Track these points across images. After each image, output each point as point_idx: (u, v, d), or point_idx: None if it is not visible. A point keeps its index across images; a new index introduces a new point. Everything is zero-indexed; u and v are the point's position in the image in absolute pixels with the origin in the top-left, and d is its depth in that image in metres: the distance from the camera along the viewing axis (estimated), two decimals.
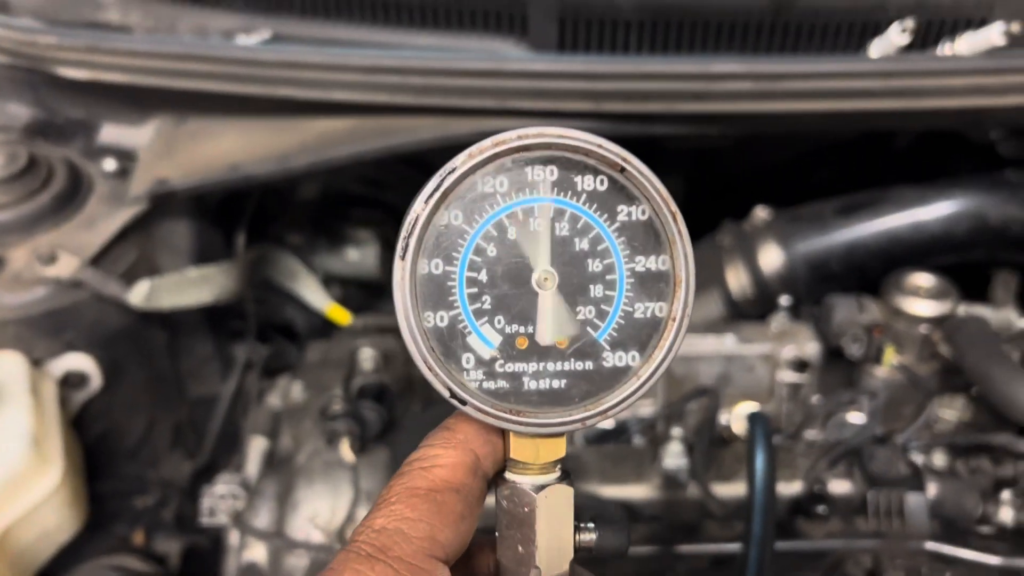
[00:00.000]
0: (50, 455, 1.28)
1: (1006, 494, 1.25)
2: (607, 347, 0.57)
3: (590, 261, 0.57)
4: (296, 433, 1.40)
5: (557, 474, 0.59)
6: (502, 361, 0.56)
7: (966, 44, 1.26)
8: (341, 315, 1.70)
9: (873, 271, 1.55)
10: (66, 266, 1.38)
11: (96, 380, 1.44)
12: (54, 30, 1.40)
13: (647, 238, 0.57)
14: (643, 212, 0.57)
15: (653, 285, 0.57)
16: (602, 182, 0.56)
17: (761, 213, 1.68)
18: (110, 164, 1.52)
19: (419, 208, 0.55)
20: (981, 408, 1.38)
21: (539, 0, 1.33)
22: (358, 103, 1.32)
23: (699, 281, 1.78)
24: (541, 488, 0.58)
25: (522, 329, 0.56)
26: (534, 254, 0.56)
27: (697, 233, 1.82)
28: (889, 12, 1.29)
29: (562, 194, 0.56)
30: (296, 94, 1.33)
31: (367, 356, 1.39)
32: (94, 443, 1.49)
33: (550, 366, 0.57)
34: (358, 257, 1.83)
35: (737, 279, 1.65)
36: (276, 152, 1.37)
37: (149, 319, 1.51)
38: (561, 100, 1.28)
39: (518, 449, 0.58)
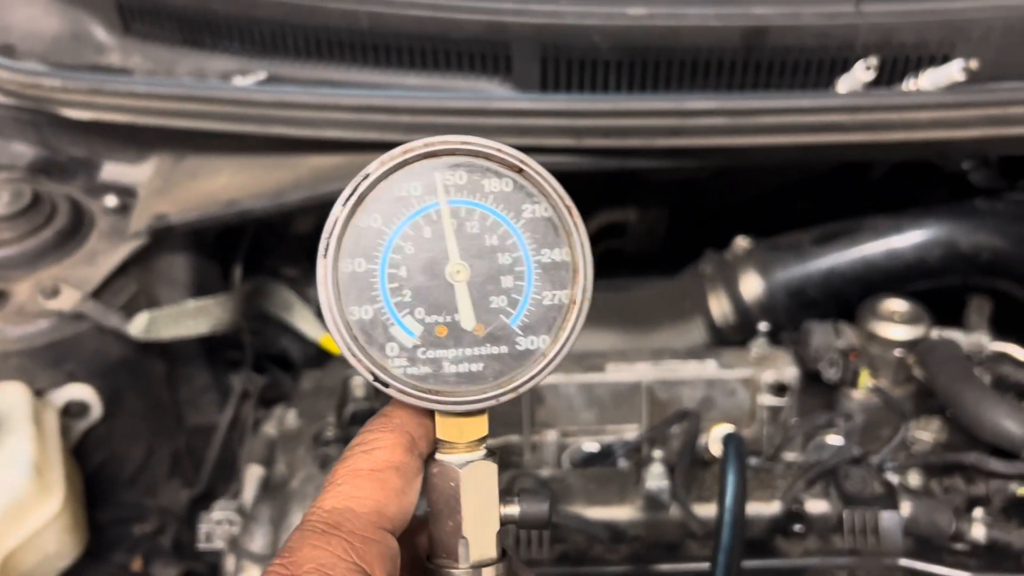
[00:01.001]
0: (51, 482, 1.32)
1: (978, 512, 1.29)
2: (520, 332, 0.62)
3: (500, 255, 0.62)
4: (290, 459, 1.43)
5: (482, 452, 0.65)
6: (423, 348, 0.61)
7: (929, 80, 1.32)
8: (334, 345, 1.74)
9: (850, 297, 1.60)
10: (68, 299, 1.42)
11: (96, 410, 1.48)
12: (58, 73, 1.46)
13: (549, 232, 0.62)
14: (545, 209, 0.62)
15: (557, 274, 0.62)
16: (507, 184, 0.62)
17: (742, 243, 1.74)
18: (111, 200, 1.58)
19: (337, 211, 0.60)
20: (955, 430, 1.42)
21: (522, 42, 1.39)
22: (349, 140, 1.38)
23: (684, 309, 1.82)
24: (466, 464, 0.64)
25: (441, 319, 0.61)
26: (447, 250, 0.61)
27: (680, 263, 1.88)
28: (856, 50, 1.36)
29: (472, 196, 0.61)
30: (290, 132, 1.39)
31: (359, 383, 1.43)
32: (94, 471, 1.53)
33: (468, 351, 0.62)
34: None
35: (719, 306, 1.71)
36: (271, 188, 1.43)
37: (148, 350, 1.56)
38: (544, 136, 1.34)
39: (443, 429, 0.64)
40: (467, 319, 0.62)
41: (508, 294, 0.62)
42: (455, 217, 0.61)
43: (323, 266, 0.60)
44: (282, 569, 0.54)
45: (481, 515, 0.64)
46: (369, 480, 0.58)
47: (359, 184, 0.60)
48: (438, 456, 0.64)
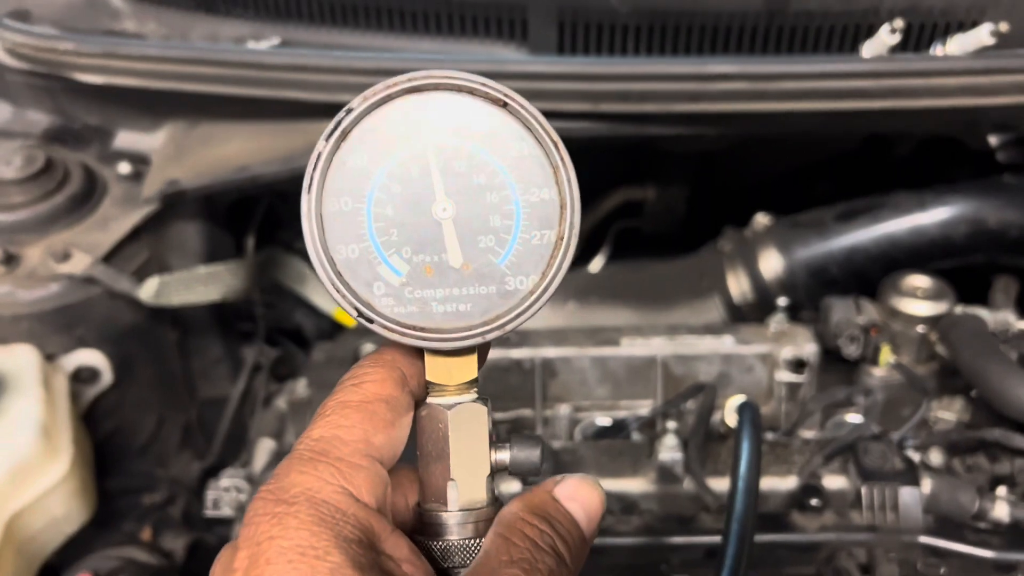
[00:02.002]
0: (59, 445, 1.31)
1: (1002, 490, 1.25)
2: (508, 271, 0.61)
3: (488, 194, 0.61)
4: (300, 428, 1.42)
5: (473, 395, 0.64)
6: (411, 287, 0.60)
7: (957, 45, 1.28)
8: (348, 317, 1.73)
9: (873, 276, 1.56)
10: (79, 263, 1.42)
11: (107, 376, 1.47)
12: (71, 36, 1.46)
13: (536, 170, 0.61)
14: (531, 147, 0.61)
15: (545, 212, 0.61)
16: (495, 121, 0.60)
17: (762, 219, 1.70)
18: (124, 167, 1.57)
19: (320, 146, 0.59)
20: (980, 409, 1.38)
21: (539, 5, 1.36)
22: None
23: (701, 287, 1.79)
24: (455, 406, 0.63)
25: (428, 258, 0.60)
26: (433, 188, 0.60)
27: (700, 239, 1.85)
28: (881, 14, 1.32)
29: (458, 133, 0.60)
30: (303, 96, 1.37)
31: (370, 351, 1.41)
32: (104, 439, 1.52)
33: (455, 290, 0.61)
34: None
35: (738, 284, 1.67)
36: (283, 154, 1.42)
37: (160, 318, 1.55)
38: (560, 101, 1.31)
39: (433, 371, 0.63)
40: (454, 257, 0.61)
41: (496, 233, 0.61)
42: (441, 155, 0.60)
43: (307, 201, 0.59)
44: (269, 495, 0.53)
45: (470, 458, 0.63)
46: (357, 411, 0.58)
47: (342, 119, 0.59)
48: (428, 399, 0.63)
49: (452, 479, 0.62)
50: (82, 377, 1.46)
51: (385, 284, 0.60)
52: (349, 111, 0.59)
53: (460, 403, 0.63)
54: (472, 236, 0.60)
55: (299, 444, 0.57)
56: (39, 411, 1.29)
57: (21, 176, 1.47)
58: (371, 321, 0.60)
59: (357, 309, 0.60)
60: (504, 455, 0.64)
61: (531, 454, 0.64)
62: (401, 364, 0.62)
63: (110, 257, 1.45)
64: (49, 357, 1.41)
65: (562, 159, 0.60)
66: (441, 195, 0.60)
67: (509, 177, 0.61)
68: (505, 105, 0.60)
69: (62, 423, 1.34)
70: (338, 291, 0.60)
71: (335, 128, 0.59)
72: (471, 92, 0.60)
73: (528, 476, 0.65)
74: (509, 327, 0.61)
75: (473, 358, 0.63)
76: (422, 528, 0.63)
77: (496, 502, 0.64)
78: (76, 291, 1.43)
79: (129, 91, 1.48)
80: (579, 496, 0.62)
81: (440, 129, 0.60)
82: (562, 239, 0.61)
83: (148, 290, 1.42)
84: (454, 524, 0.61)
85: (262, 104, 1.42)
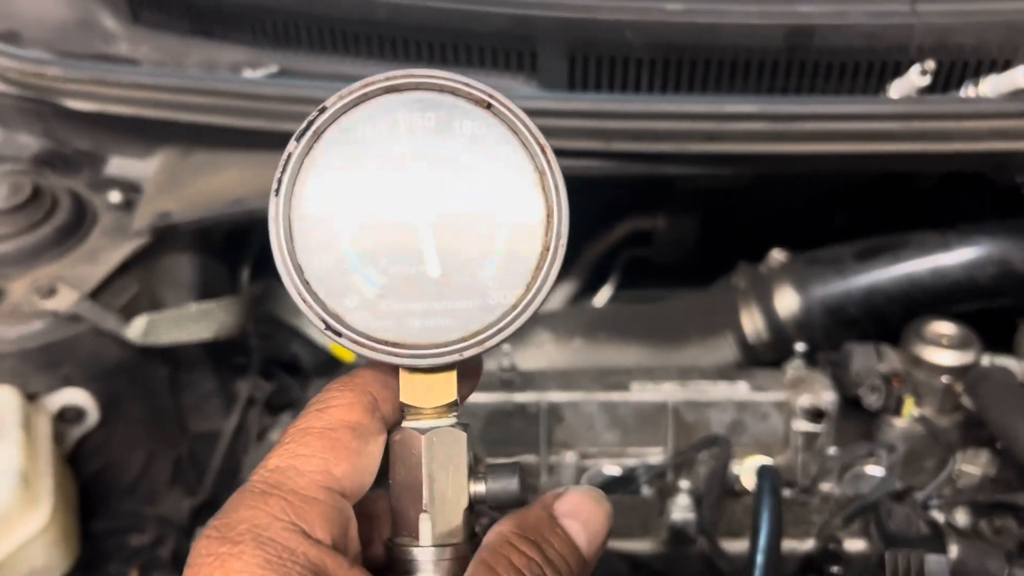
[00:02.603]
0: (40, 493, 1.25)
1: None
2: (492, 284, 0.57)
3: (470, 201, 0.57)
4: None
5: (452, 420, 0.59)
6: (388, 300, 0.56)
7: (990, 86, 1.22)
8: (345, 351, 1.67)
9: (893, 317, 1.50)
10: (65, 299, 1.36)
11: (93, 415, 1.41)
12: (61, 62, 1.40)
13: (522, 176, 0.57)
14: (515, 150, 0.57)
15: (532, 221, 0.58)
16: (477, 124, 0.57)
17: (777, 255, 1.64)
18: (115, 196, 1.51)
19: (291, 146, 0.56)
20: (1006, 464, 1.32)
21: (549, 38, 1.30)
22: None
23: (714, 324, 1.73)
24: (430, 431, 0.58)
25: (406, 269, 0.57)
26: (413, 195, 0.56)
27: (710, 275, 1.79)
28: (909, 53, 1.26)
29: (440, 138, 0.57)
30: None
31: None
32: (90, 479, 1.46)
33: (436, 305, 0.57)
34: None
35: (752, 323, 1.61)
36: None
37: (149, 354, 1.49)
38: (570, 139, 1.25)
39: (407, 391, 0.58)
40: (433, 268, 0.57)
41: (479, 243, 0.57)
42: (421, 159, 0.56)
43: (274, 205, 0.56)
44: (214, 532, 0.50)
45: (446, 488, 0.57)
46: (319, 439, 0.54)
47: (314, 118, 0.56)
48: (403, 424, 0.58)
49: (424, 510, 0.57)
50: (67, 417, 1.40)
51: (359, 296, 0.56)
52: (323, 109, 0.56)
53: (436, 427, 0.58)
54: (453, 246, 0.57)
55: (253, 475, 0.53)
56: (18, 458, 1.23)
57: (6, 206, 1.41)
58: (339, 334, 0.55)
59: (324, 321, 0.56)
60: (481, 487, 0.59)
61: (508, 483, 0.59)
62: (373, 387, 0.57)
63: (98, 292, 1.39)
64: (32, 397, 1.35)
65: (549, 164, 0.57)
66: (420, 201, 0.56)
67: (493, 183, 0.57)
68: (489, 106, 0.57)
69: (43, 469, 1.28)
70: (304, 302, 0.56)
71: (307, 127, 0.56)
72: (453, 92, 0.57)
73: (509, 508, 0.58)
74: (489, 344, 0.56)
75: (452, 377, 0.58)
76: (392, 564, 0.57)
77: (474, 537, 0.58)
78: (61, 328, 1.37)
79: (119, 117, 1.42)
80: (581, 513, 0.57)
81: (419, 131, 0.56)
82: (547, 249, 0.57)
83: (136, 329, 1.36)
84: (426, 561, 0.56)
85: (258, 134, 1.36)
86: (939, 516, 1.24)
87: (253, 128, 1.32)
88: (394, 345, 0.56)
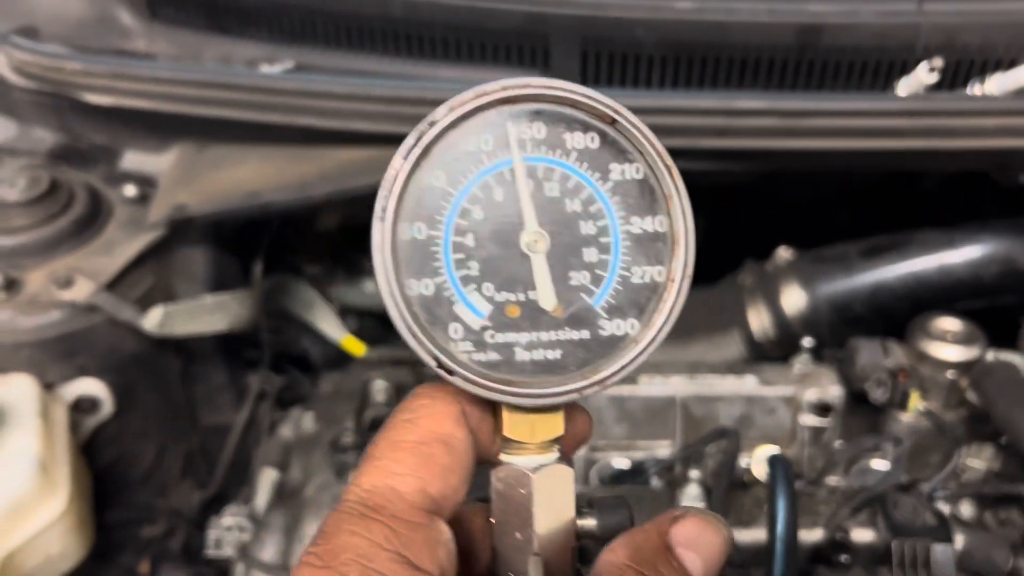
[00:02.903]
0: (57, 480, 1.27)
1: None
2: (604, 314, 0.54)
3: (582, 223, 0.53)
4: (306, 464, 1.38)
5: (556, 454, 0.56)
6: (492, 331, 0.53)
7: (996, 84, 1.24)
8: (356, 347, 1.68)
9: (898, 314, 1.52)
10: (82, 290, 1.37)
11: (108, 406, 1.43)
12: (80, 56, 1.42)
13: (643, 197, 0.54)
14: (637, 170, 0.54)
15: (651, 247, 0.54)
16: (593, 139, 0.53)
17: (784, 253, 1.66)
18: (130, 190, 1.53)
19: (397, 165, 0.51)
20: (1010, 458, 1.34)
21: (562, 34, 1.32)
22: (378, 133, 1.32)
23: (721, 322, 1.74)
24: (540, 468, 0.55)
25: (513, 296, 0.53)
26: (523, 216, 0.53)
27: (718, 273, 1.81)
28: (916, 51, 1.28)
29: (551, 152, 0.53)
30: (317, 123, 1.34)
31: (379, 388, 1.37)
32: (103, 470, 1.47)
33: (544, 335, 0.53)
34: (375, 289, 1.82)
35: (759, 320, 1.63)
36: (295, 180, 1.37)
37: (163, 346, 1.50)
38: None
39: (512, 427, 0.54)
40: (546, 297, 0.53)
41: (591, 269, 0.53)
42: (532, 177, 0.52)
43: (379, 231, 0.51)
44: (315, 560, 0.47)
45: (555, 528, 0.55)
46: (411, 454, 0.50)
47: (424, 133, 0.51)
48: (504, 457, 0.55)
49: (535, 553, 0.54)
50: (82, 407, 1.41)
51: (463, 326, 0.52)
52: (432, 123, 0.51)
53: (543, 465, 0.55)
54: (563, 271, 0.53)
55: (348, 494, 0.50)
56: (37, 445, 1.25)
57: (25, 198, 1.43)
58: (451, 373, 0.52)
59: (436, 358, 0.52)
60: (590, 522, 0.56)
61: (619, 519, 0.55)
62: (463, 396, 0.53)
63: (114, 283, 1.41)
64: (49, 386, 1.37)
65: (677, 188, 0.53)
66: (532, 224, 0.52)
67: (608, 204, 0.53)
68: (613, 122, 0.53)
69: (60, 457, 1.29)
70: (414, 337, 0.51)
71: (415, 143, 0.51)
72: (573, 105, 0.53)
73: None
74: (610, 382, 0.53)
75: (560, 412, 0.55)
76: None
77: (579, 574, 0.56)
78: (78, 319, 1.38)
79: (136, 112, 1.44)
80: (699, 544, 0.52)
81: (531, 146, 0.52)
82: (673, 281, 0.53)
83: (152, 320, 1.37)
84: None
85: (274, 129, 1.38)
86: (945, 508, 1.25)
87: (271, 122, 1.34)
88: (508, 383, 0.52)
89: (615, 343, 0.54)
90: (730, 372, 1.45)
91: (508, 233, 0.52)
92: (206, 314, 1.43)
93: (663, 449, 1.40)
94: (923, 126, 1.23)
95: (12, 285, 1.38)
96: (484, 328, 0.53)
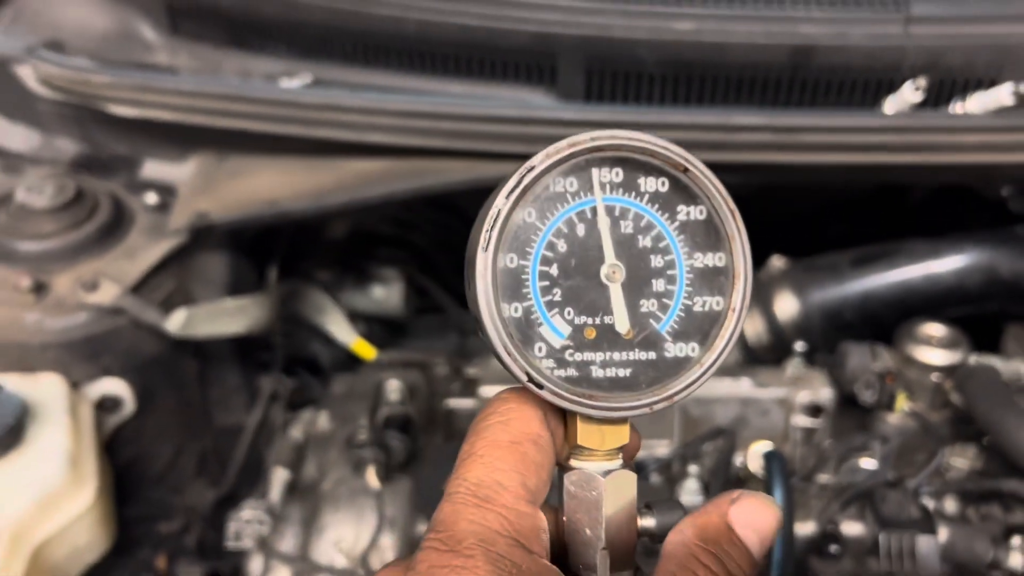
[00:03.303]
0: (85, 474, 1.32)
1: (1016, 540, 1.27)
2: (669, 338, 0.60)
3: (652, 257, 0.60)
4: (321, 462, 1.43)
5: (620, 461, 0.62)
6: (572, 350, 0.59)
7: (977, 103, 1.32)
8: (366, 350, 1.74)
9: (887, 321, 1.59)
10: (107, 293, 1.43)
11: (129, 405, 1.49)
12: (106, 70, 1.48)
13: (706, 236, 0.60)
14: (701, 212, 0.60)
15: (712, 280, 0.60)
16: (663, 184, 0.60)
17: (777, 262, 1.73)
18: (151, 198, 1.59)
19: (500, 203, 0.57)
20: (992, 457, 1.40)
21: (568, 53, 1.39)
22: (393, 145, 1.39)
23: None
24: (608, 473, 0.61)
25: (590, 320, 0.59)
26: (603, 249, 0.59)
27: None
28: (903, 71, 1.35)
29: (627, 194, 0.59)
30: (334, 135, 1.40)
31: (393, 387, 1.43)
32: (123, 467, 1.53)
33: (616, 355, 0.59)
34: (383, 295, 1.89)
35: (753, 326, 1.69)
36: (312, 190, 1.44)
37: (182, 348, 1.56)
38: None
39: (585, 435, 0.60)
40: (621, 322, 0.60)
41: (659, 298, 0.60)
42: (610, 216, 0.59)
43: (483, 260, 0.57)
44: (440, 545, 0.51)
45: (620, 526, 0.61)
46: (510, 452, 0.56)
47: (524, 176, 0.57)
48: (575, 463, 0.61)
49: (604, 548, 0.60)
50: (105, 406, 1.47)
51: (546, 345, 0.59)
52: (531, 168, 0.57)
53: (611, 470, 0.61)
54: (634, 299, 0.60)
55: (456, 487, 0.55)
56: (66, 440, 1.30)
57: (52, 205, 1.49)
58: (540, 387, 0.58)
59: (527, 373, 0.58)
60: (649, 521, 0.62)
61: (676, 519, 0.62)
62: (539, 401, 0.59)
63: (137, 287, 1.47)
64: (74, 385, 1.42)
65: (739, 228, 0.60)
66: (610, 257, 0.59)
67: (675, 242, 0.60)
68: (686, 171, 0.59)
69: (88, 452, 1.35)
70: (509, 354, 0.57)
71: (516, 185, 0.57)
72: (652, 155, 0.59)
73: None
74: (678, 398, 0.60)
75: (627, 424, 0.61)
76: None
77: (637, 569, 0.63)
78: (103, 321, 1.44)
79: (158, 123, 1.50)
80: (756, 522, 0.58)
81: (610, 189, 0.59)
82: (733, 310, 0.60)
83: (175, 322, 1.43)
84: None
85: (291, 140, 1.45)
86: (930, 503, 1.32)
87: (289, 134, 1.40)
88: (588, 397, 0.58)
89: (680, 364, 0.60)
90: (726, 375, 1.52)
91: (588, 264, 0.59)
92: (226, 317, 1.49)
93: (662, 448, 1.46)
94: (909, 142, 1.30)
95: (40, 288, 1.44)
96: (565, 347, 0.59)
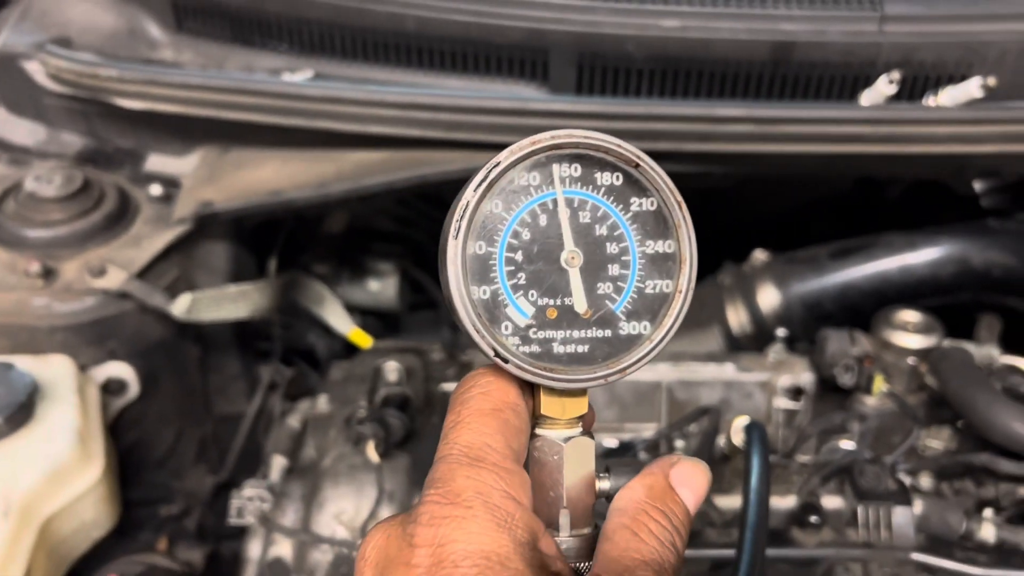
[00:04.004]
0: (93, 451, 1.37)
1: (988, 513, 1.33)
2: (623, 317, 0.65)
3: (608, 244, 0.65)
4: (321, 443, 1.48)
5: (579, 429, 0.68)
6: (535, 328, 0.65)
7: (948, 96, 1.39)
8: (363, 339, 1.79)
9: (865, 311, 1.65)
10: (114, 279, 1.48)
11: (134, 388, 1.53)
12: (115, 63, 1.53)
13: (656, 225, 0.66)
14: (652, 203, 0.66)
15: (662, 265, 0.66)
16: (618, 178, 0.65)
17: (760, 256, 1.79)
18: (156, 189, 1.64)
19: (469, 195, 0.63)
20: (966, 439, 1.46)
21: (560, 49, 1.46)
22: (392, 136, 1.45)
23: (701, 318, 1.87)
24: (568, 439, 0.67)
25: (552, 301, 0.65)
26: (563, 237, 0.65)
27: (700, 274, 1.93)
28: (878, 67, 1.42)
29: (584, 187, 0.65)
30: (335, 127, 1.46)
31: (392, 368, 1.48)
32: (126, 450, 1.57)
33: (575, 333, 0.65)
34: (378, 288, 1.94)
35: (737, 317, 1.76)
36: (314, 180, 1.49)
37: (185, 334, 1.61)
38: None
39: (548, 406, 0.66)
40: (580, 303, 0.65)
41: (614, 281, 0.65)
42: (568, 207, 0.65)
43: (453, 246, 0.63)
44: (440, 498, 0.56)
45: (580, 488, 0.67)
46: (493, 419, 0.62)
47: (491, 171, 0.63)
48: (539, 431, 0.67)
49: (565, 507, 0.66)
50: (110, 389, 1.51)
51: (512, 324, 0.64)
52: (497, 164, 0.63)
53: (572, 437, 0.67)
54: (592, 283, 0.65)
55: (449, 450, 0.60)
56: (75, 418, 1.34)
57: (60, 195, 1.54)
58: (506, 361, 0.64)
59: (493, 349, 0.63)
60: (606, 484, 0.68)
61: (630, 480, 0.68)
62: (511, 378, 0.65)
63: (143, 273, 1.52)
64: (81, 368, 1.46)
65: (684, 218, 0.65)
66: (569, 244, 0.65)
67: (628, 230, 0.65)
68: (637, 166, 0.65)
69: (95, 431, 1.39)
70: (477, 332, 0.63)
71: (483, 179, 0.63)
72: (606, 151, 0.65)
73: None
74: (630, 371, 0.65)
75: (585, 395, 0.67)
76: None
77: (596, 526, 0.68)
78: (109, 305, 1.49)
79: (163, 116, 1.56)
80: (692, 483, 0.65)
81: (567, 180, 0.65)
82: (680, 292, 0.66)
83: (180, 306, 1.48)
84: (566, 548, 0.66)
85: (292, 132, 1.50)
86: (906, 480, 1.38)
87: (292, 126, 1.45)
88: (549, 370, 0.64)
89: (632, 341, 0.65)
90: (711, 360, 1.58)
91: (550, 251, 0.65)
92: (229, 302, 1.54)
93: (650, 430, 1.52)
94: (883, 133, 1.37)
95: (49, 274, 1.48)
96: (529, 326, 0.65)
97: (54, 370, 1.39)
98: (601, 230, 0.65)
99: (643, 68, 1.46)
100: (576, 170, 0.65)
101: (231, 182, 1.54)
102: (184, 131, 1.64)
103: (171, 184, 1.67)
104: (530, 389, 0.67)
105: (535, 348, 0.65)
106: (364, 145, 1.48)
